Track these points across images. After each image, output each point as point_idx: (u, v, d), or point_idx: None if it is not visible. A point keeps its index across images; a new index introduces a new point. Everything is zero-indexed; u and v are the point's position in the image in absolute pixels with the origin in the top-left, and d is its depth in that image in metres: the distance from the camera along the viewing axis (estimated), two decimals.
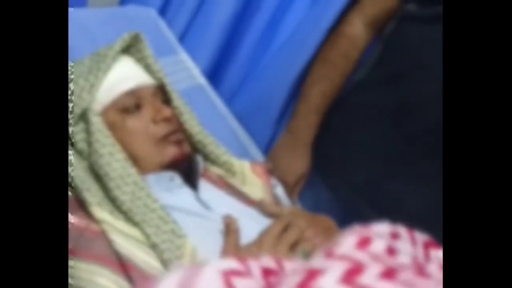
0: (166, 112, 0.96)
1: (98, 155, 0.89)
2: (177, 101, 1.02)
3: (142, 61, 1.02)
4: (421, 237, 0.53)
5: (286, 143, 1.27)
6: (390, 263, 0.42)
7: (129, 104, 0.94)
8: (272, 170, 1.18)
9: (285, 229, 0.88)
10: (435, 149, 1.15)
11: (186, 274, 0.41)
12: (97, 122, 0.90)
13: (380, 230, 0.48)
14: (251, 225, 0.91)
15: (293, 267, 0.43)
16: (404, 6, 1.19)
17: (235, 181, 1.04)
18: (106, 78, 0.94)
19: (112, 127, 0.93)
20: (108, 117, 0.93)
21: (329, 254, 0.43)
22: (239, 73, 1.41)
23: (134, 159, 0.92)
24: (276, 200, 1.07)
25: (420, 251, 0.51)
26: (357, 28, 1.24)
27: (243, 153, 1.30)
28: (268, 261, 0.45)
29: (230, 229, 0.88)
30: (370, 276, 0.39)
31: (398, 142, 1.18)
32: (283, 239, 0.86)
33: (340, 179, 1.25)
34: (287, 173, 1.25)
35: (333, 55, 1.27)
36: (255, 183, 1.06)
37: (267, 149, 1.33)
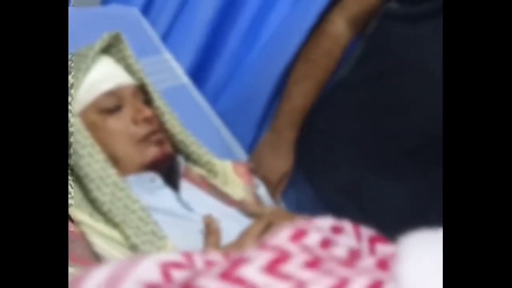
0: (147, 112, 0.95)
1: (77, 156, 0.88)
2: (158, 101, 1.02)
3: (122, 61, 1.01)
4: (367, 232, 0.54)
5: (269, 142, 1.27)
6: (319, 254, 0.42)
7: (109, 105, 0.94)
8: (255, 170, 1.18)
9: (266, 229, 0.88)
10: (418, 148, 1.16)
11: (123, 264, 0.41)
12: (76, 123, 0.90)
13: (322, 224, 0.49)
14: (232, 225, 0.91)
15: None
16: (386, 4, 1.20)
17: (217, 182, 1.04)
18: (86, 79, 0.94)
19: (92, 127, 0.92)
20: (88, 117, 0.93)
21: (262, 246, 0.43)
22: (223, 73, 1.41)
23: (115, 160, 0.92)
24: (258, 200, 1.07)
25: (365, 246, 0.51)
26: (339, 26, 1.24)
27: (226, 153, 1.30)
28: (215, 255, 0.45)
29: (210, 229, 0.88)
30: (294, 265, 0.40)
31: (381, 140, 1.19)
32: (264, 239, 0.86)
33: (324, 178, 1.25)
34: (270, 172, 1.25)
35: (316, 53, 1.27)
36: (237, 184, 1.06)
37: (251, 148, 1.33)
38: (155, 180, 0.94)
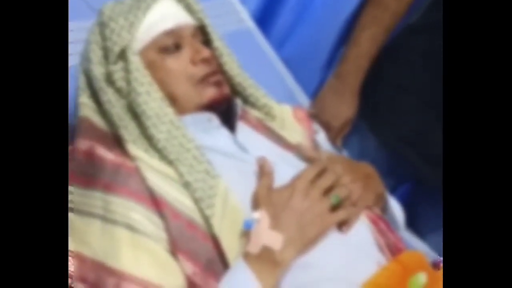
0: (205, 52, 0.95)
1: (136, 93, 0.89)
2: (218, 42, 1.01)
3: (182, 1, 1.00)
4: None
5: (333, 88, 1.24)
6: None
7: (168, 44, 0.94)
8: (315, 115, 1.15)
9: (321, 174, 0.87)
10: None
11: None
12: (135, 61, 0.91)
13: None
14: (287, 169, 0.90)
15: None
16: None
17: (274, 125, 1.03)
18: (146, 17, 0.94)
19: (151, 66, 0.93)
20: (147, 56, 0.93)
21: None
22: (289, 17, 1.38)
23: (173, 99, 0.92)
24: (315, 145, 1.05)
25: None
26: None
27: (289, 98, 1.28)
28: None
29: (263, 171, 0.87)
30: None
31: None
32: (317, 183, 0.85)
33: (388, 127, 1.21)
34: (333, 117, 1.22)
35: None
36: (294, 128, 1.04)
37: (314, 94, 1.31)
38: (212, 120, 0.94)
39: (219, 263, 0.81)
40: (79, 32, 1.02)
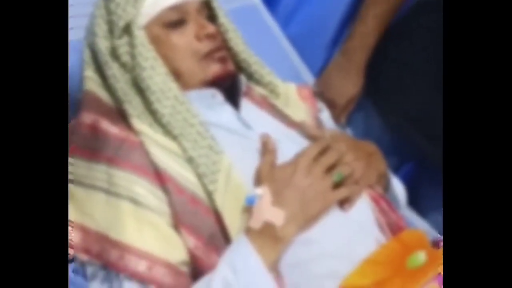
0: (210, 28, 0.94)
1: (140, 68, 0.89)
2: (223, 18, 1.00)
3: None
4: None
5: (339, 65, 1.24)
6: None
7: (173, 19, 0.94)
8: (321, 93, 1.15)
9: (324, 151, 0.87)
10: None
11: None
12: (140, 35, 0.91)
13: None
14: (290, 146, 0.90)
15: None
16: None
17: (278, 102, 1.03)
18: None
19: (156, 41, 0.93)
20: (152, 31, 0.93)
21: None
22: None
23: (177, 75, 0.93)
24: (319, 123, 1.05)
25: None
26: None
27: (294, 76, 1.28)
28: None
29: (267, 148, 0.88)
30: None
31: None
32: (320, 161, 0.85)
33: (392, 105, 1.21)
34: (338, 95, 1.22)
35: None
36: (298, 106, 1.04)
37: (320, 72, 1.30)
38: (216, 96, 0.94)
39: (221, 237, 0.82)
40: (79, 6, 1.02)
